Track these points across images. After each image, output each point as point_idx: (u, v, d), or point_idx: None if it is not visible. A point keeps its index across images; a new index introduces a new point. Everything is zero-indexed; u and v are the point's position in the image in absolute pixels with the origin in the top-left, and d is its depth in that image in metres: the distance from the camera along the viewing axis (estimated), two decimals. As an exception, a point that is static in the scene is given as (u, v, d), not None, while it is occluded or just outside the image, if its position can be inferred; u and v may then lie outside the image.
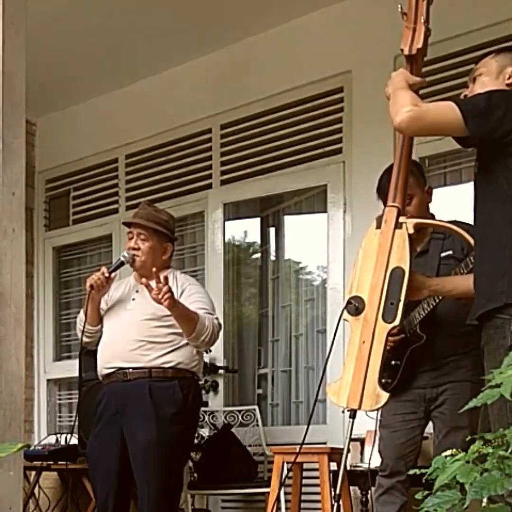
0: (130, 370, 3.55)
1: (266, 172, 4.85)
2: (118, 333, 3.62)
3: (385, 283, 2.24)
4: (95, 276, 3.60)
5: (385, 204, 2.63)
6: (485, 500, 1.36)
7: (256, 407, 4.68)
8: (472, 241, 2.42)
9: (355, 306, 2.26)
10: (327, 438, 4.26)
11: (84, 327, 3.65)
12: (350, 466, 3.72)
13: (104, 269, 3.62)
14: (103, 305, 3.75)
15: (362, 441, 3.90)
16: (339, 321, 2.29)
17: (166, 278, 3.42)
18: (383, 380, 3.24)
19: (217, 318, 3.66)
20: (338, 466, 3.38)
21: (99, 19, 4.58)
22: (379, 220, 2.33)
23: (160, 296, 3.36)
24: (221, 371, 4.85)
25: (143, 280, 3.46)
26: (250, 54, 4.81)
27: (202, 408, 4.66)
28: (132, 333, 3.59)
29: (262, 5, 4.44)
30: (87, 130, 5.59)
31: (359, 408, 2.21)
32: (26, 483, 4.51)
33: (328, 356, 2.88)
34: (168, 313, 3.54)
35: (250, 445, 4.54)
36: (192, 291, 3.68)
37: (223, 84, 4.93)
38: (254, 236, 5.28)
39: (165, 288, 3.36)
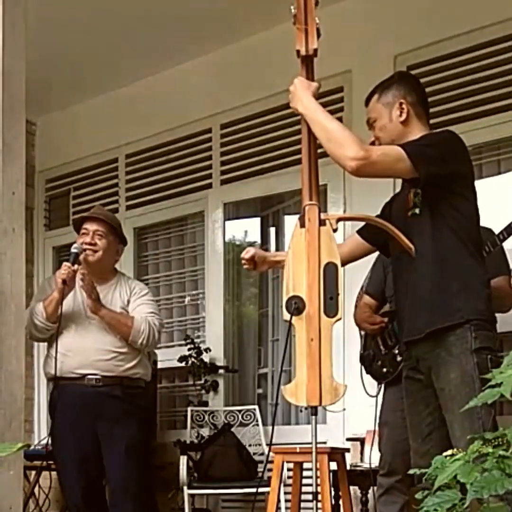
0: (102, 377, 3.68)
1: (266, 172, 4.85)
2: (88, 339, 3.70)
3: (321, 280, 2.27)
4: (64, 270, 3.60)
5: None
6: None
7: (256, 407, 4.68)
8: (411, 247, 2.45)
9: (295, 306, 2.28)
10: (327, 437, 4.26)
11: (45, 324, 3.69)
12: (350, 465, 3.72)
13: (66, 263, 3.63)
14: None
15: (362, 441, 3.91)
16: (290, 323, 2.29)
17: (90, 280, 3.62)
18: (384, 369, 3.31)
19: (160, 319, 3.84)
20: (338, 465, 3.39)
21: (99, 19, 4.58)
22: (302, 219, 2.35)
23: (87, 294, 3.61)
24: (221, 371, 4.85)
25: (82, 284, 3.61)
26: (250, 54, 4.80)
27: (203, 408, 4.68)
28: (103, 342, 3.70)
29: (261, 5, 4.43)
30: (87, 130, 5.59)
31: (320, 404, 2.23)
32: (26, 483, 4.51)
33: (283, 359, 2.89)
34: None
35: (250, 445, 4.55)
36: (139, 293, 3.83)
37: (223, 84, 4.93)
38: (255, 235, 5.28)
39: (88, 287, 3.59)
